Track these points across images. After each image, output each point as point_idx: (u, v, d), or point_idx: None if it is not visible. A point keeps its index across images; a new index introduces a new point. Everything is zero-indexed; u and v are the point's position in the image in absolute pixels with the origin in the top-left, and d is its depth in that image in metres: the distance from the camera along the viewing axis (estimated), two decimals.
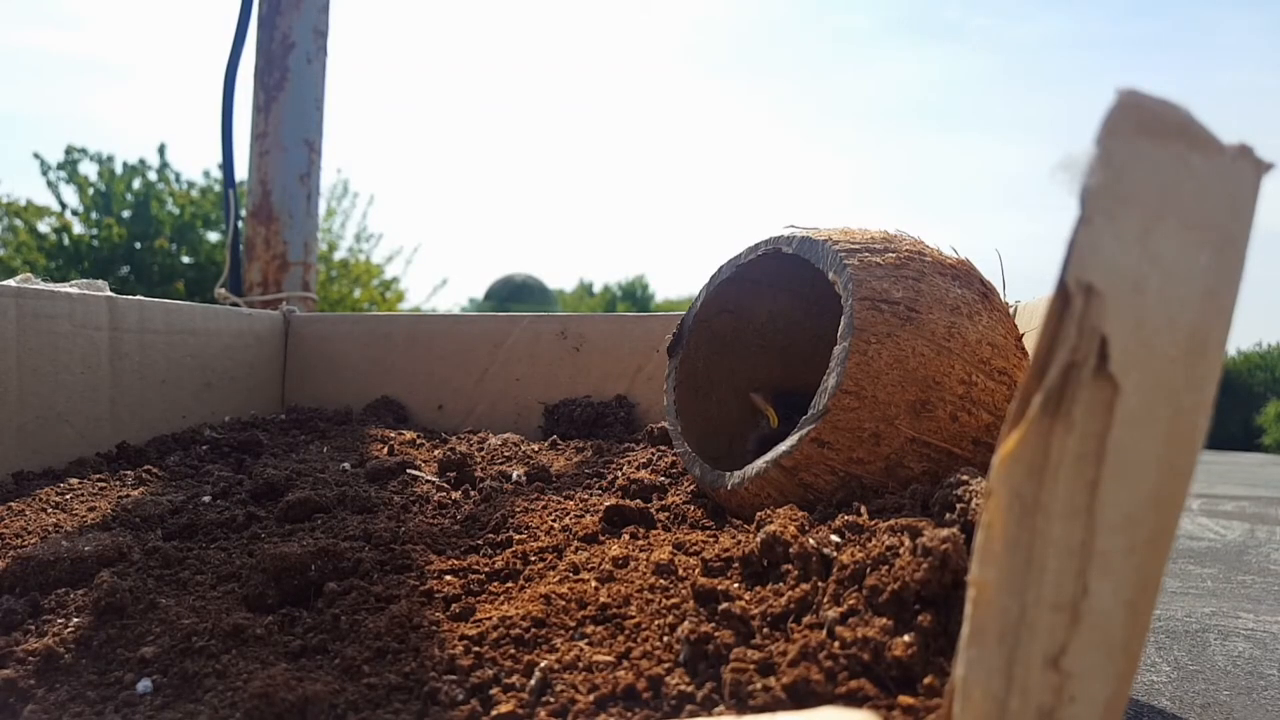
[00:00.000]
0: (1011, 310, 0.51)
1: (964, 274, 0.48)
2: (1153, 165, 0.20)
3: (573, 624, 0.35)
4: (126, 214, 4.96)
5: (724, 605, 0.34)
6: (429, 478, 0.63)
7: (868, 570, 0.32)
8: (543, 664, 0.32)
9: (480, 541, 0.48)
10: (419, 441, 0.79)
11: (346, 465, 0.67)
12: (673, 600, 0.35)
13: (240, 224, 1.24)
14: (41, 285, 0.70)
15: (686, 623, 0.33)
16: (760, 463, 0.45)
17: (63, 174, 4.99)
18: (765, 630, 0.32)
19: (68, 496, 0.58)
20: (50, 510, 0.55)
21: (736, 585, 0.36)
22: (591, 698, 0.30)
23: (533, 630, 0.35)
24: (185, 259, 5.04)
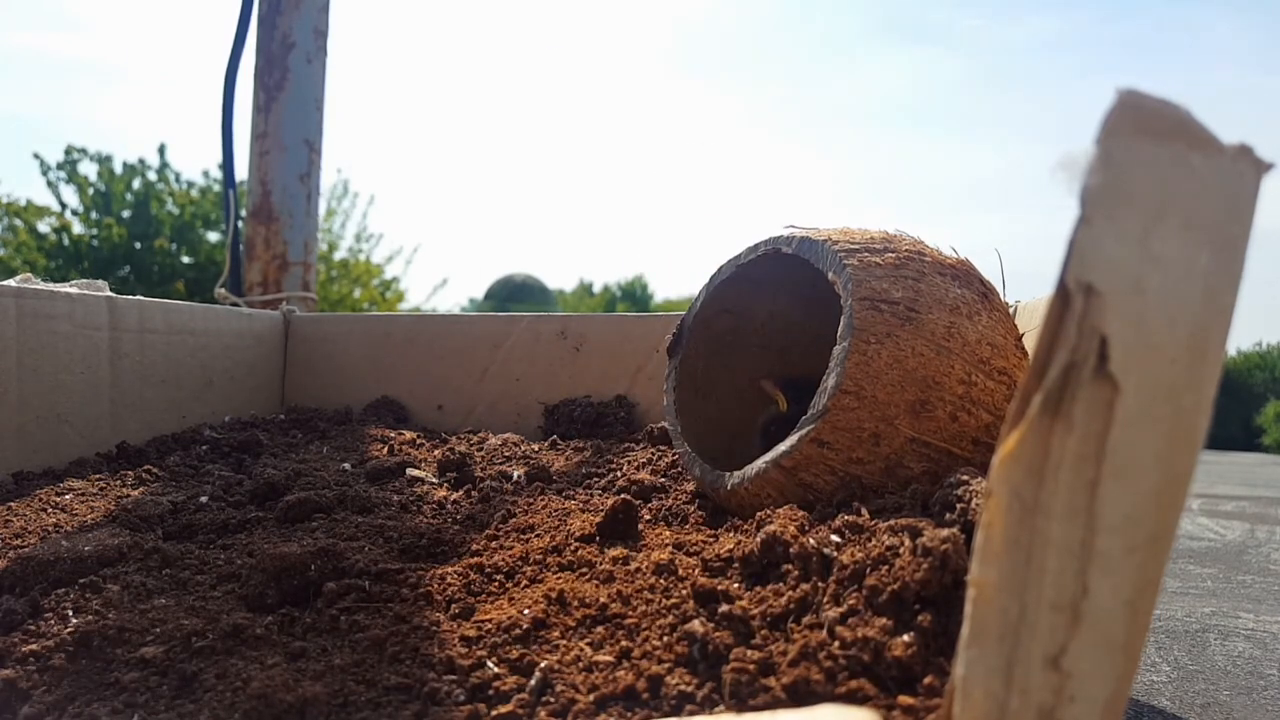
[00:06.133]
0: (1011, 310, 0.51)
1: (964, 274, 0.48)
2: (1153, 165, 0.20)
3: (573, 624, 0.35)
4: (126, 214, 4.96)
5: (724, 605, 0.34)
6: (429, 478, 0.63)
7: (868, 570, 0.32)
8: (543, 664, 0.32)
9: (480, 541, 0.48)
10: (419, 441, 0.79)
11: (346, 465, 0.67)
12: (673, 600, 0.35)
13: (240, 224, 1.24)
14: (41, 285, 0.70)
15: (686, 623, 0.33)
16: (760, 463, 0.45)
17: (63, 174, 4.99)
18: (765, 630, 0.32)
19: (68, 496, 0.58)
20: (50, 510, 0.55)
21: (736, 585, 0.36)
22: (591, 698, 0.30)
23: (533, 630, 0.35)
24: (185, 259, 5.04)
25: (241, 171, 1.25)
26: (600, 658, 0.33)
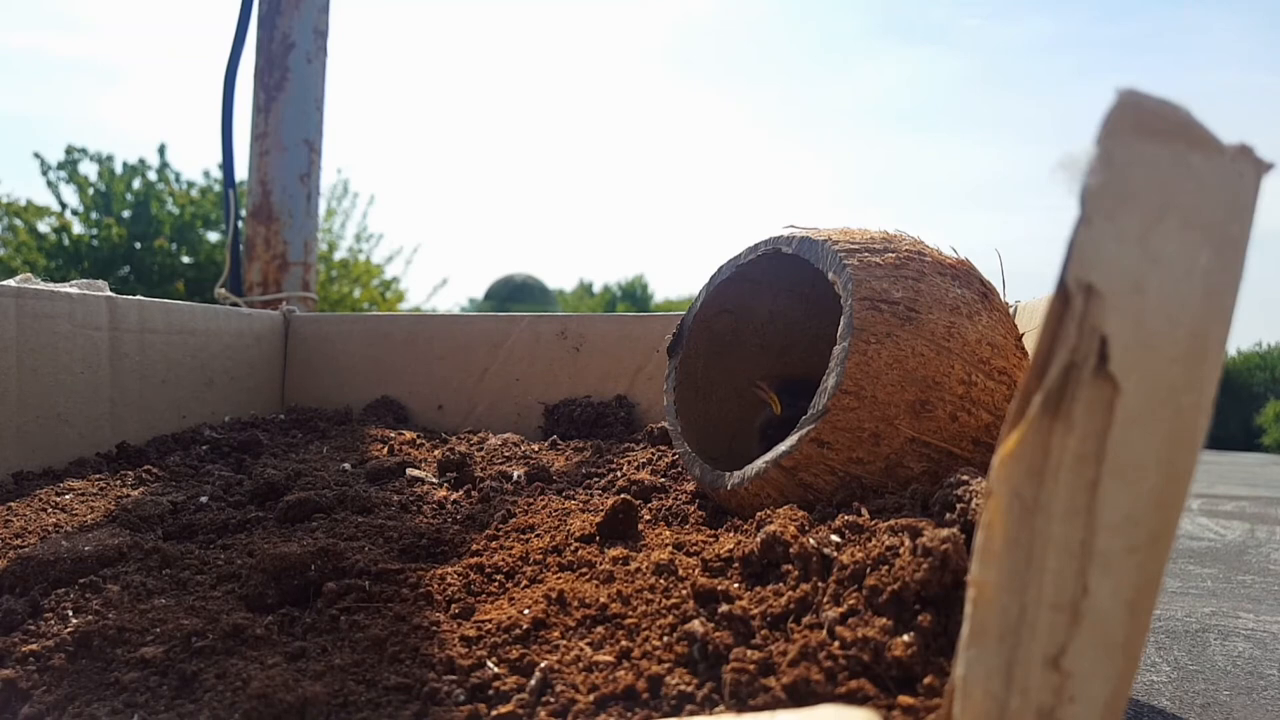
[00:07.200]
0: (1011, 310, 0.51)
1: (964, 274, 0.48)
2: (1153, 165, 0.20)
3: (573, 624, 0.35)
4: (126, 214, 4.95)
5: (724, 605, 0.34)
6: (429, 478, 0.63)
7: (868, 570, 0.32)
8: (543, 664, 0.32)
9: (480, 541, 0.48)
10: (419, 441, 0.79)
11: (346, 465, 0.67)
12: (673, 600, 0.35)
13: (240, 224, 1.24)
14: (41, 285, 0.70)
15: (686, 623, 0.33)
16: (760, 463, 0.45)
17: (63, 174, 4.98)
18: (765, 630, 0.32)
19: (68, 496, 0.58)
20: (50, 510, 0.55)
21: (736, 585, 0.36)
22: (591, 698, 0.30)
23: (533, 630, 0.35)
24: (185, 259, 5.04)
25: (241, 171, 1.25)
26: (600, 658, 0.33)
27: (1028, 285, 0.59)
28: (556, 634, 0.35)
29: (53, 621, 0.38)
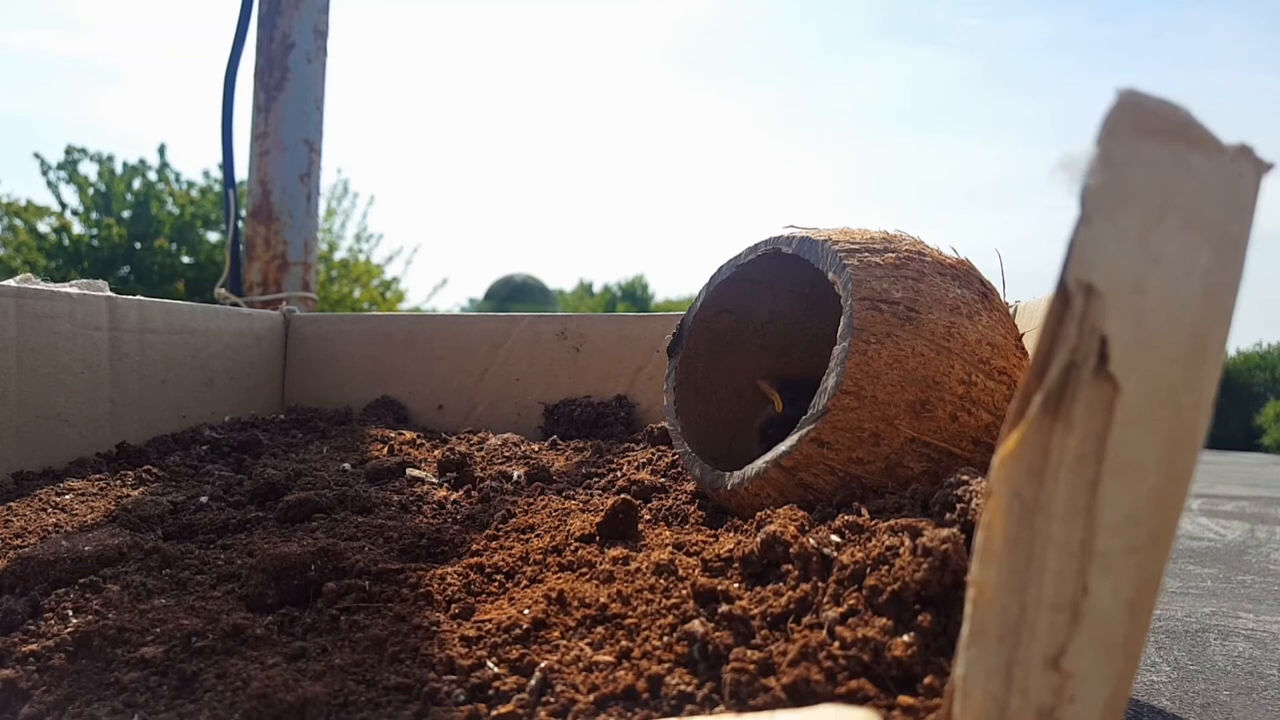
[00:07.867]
0: (1011, 310, 0.51)
1: (964, 274, 0.48)
2: (1153, 165, 0.20)
3: (573, 624, 0.35)
4: (126, 214, 4.95)
5: (724, 605, 0.34)
6: (429, 478, 0.63)
7: (868, 570, 0.32)
8: (543, 664, 0.32)
9: (480, 541, 0.48)
10: (419, 441, 0.79)
11: (346, 465, 0.67)
12: (673, 600, 0.35)
13: (240, 224, 1.24)
14: (41, 285, 0.70)
15: (686, 623, 0.33)
16: (760, 463, 0.45)
17: (63, 174, 4.98)
18: (765, 630, 0.32)
19: (68, 496, 0.58)
20: (50, 510, 0.55)
21: (736, 585, 0.36)
22: (591, 698, 0.30)
23: (533, 630, 0.35)
24: (185, 259, 5.04)
25: (241, 171, 1.25)
26: (600, 658, 0.33)
27: (1028, 285, 0.59)
28: (556, 634, 0.35)
29: (53, 621, 0.38)
